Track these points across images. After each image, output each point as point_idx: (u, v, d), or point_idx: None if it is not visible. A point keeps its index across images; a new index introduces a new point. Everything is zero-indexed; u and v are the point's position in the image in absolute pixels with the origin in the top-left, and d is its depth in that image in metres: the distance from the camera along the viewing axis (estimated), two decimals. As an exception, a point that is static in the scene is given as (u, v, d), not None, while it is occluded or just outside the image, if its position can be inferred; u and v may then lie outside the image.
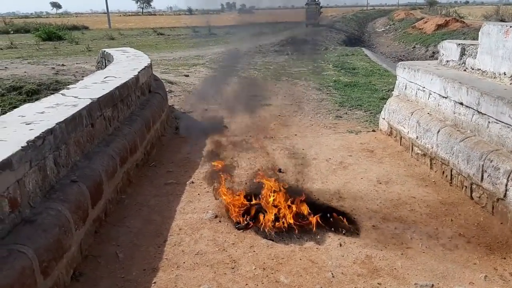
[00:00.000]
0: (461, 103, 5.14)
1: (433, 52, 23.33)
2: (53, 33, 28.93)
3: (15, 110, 4.20)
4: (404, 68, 6.83)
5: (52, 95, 4.91)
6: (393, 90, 8.41)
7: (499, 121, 4.42)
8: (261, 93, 10.88)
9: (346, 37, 33.21)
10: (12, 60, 15.20)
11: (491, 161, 4.34)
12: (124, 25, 48.44)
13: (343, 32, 35.30)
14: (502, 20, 26.72)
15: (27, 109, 4.16)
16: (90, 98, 4.62)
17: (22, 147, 3.04)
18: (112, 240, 3.98)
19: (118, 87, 5.44)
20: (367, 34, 42.42)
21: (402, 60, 17.17)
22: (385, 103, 7.90)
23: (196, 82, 12.21)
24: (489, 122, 4.62)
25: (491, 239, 3.98)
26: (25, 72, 11.39)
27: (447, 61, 6.39)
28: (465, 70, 5.92)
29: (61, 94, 4.90)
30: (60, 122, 3.71)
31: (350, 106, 9.52)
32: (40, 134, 3.35)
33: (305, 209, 4.37)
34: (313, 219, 4.23)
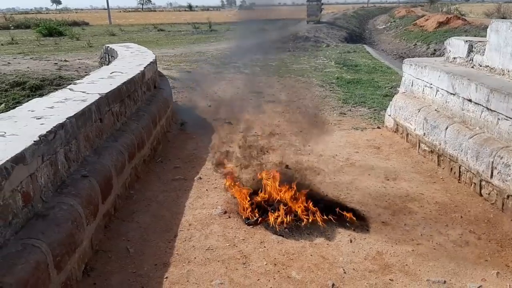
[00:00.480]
0: (470, 100, 5.13)
1: (435, 50, 23.31)
2: (53, 29, 28.87)
3: (24, 104, 4.19)
4: (411, 65, 6.82)
5: (60, 90, 4.90)
6: (396, 87, 8.40)
7: (509, 118, 4.41)
8: (264, 90, 10.88)
9: (347, 34, 33.18)
10: (14, 55, 15.18)
11: (501, 158, 4.33)
12: (124, 21, 48.39)
13: (344, 29, 35.25)
14: (504, 18, 26.69)
15: (36, 104, 4.14)
16: (99, 93, 4.60)
17: (34, 141, 3.03)
18: (122, 235, 3.97)
19: (125, 82, 5.42)
20: (368, 31, 42.40)
21: (404, 57, 17.15)
22: (388, 100, 7.90)
23: (198, 78, 12.19)
24: (498, 119, 4.61)
25: (502, 236, 3.97)
26: (28, 67, 11.36)
27: (454, 58, 6.38)
28: (472, 67, 5.90)
29: (69, 89, 4.89)
30: (70, 117, 3.70)
31: (353, 103, 9.51)
32: (52, 128, 3.34)
33: (314, 205, 4.36)
34: (322, 215, 4.22)
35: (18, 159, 2.76)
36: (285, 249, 3.77)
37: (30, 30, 33.09)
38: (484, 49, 5.66)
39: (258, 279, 3.37)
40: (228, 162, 5.63)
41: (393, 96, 7.72)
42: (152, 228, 4.13)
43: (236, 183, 4.81)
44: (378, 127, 7.59)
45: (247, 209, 4.32)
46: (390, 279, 3.37)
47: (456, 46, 6.33)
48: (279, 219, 4.15)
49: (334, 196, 4.81)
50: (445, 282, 3.33)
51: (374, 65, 15.29)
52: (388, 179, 5.28)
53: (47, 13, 78.17)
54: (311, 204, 4.36)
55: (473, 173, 4.84)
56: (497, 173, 4.39)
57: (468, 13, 37.70)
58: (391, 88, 10.85)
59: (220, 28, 34.67)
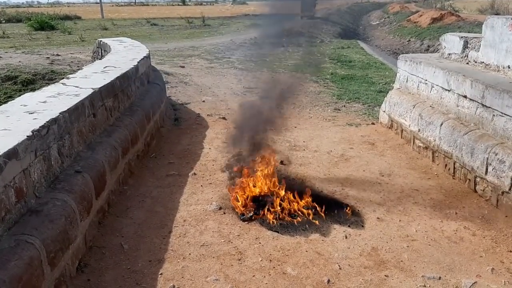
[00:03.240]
0: (465, 96, 5.13)
1: (428, 46, 23.32)
2: (45, 23, 28.51)
3: (17, 99, 4.13)
4: (406, 61, 6.81)
5: (53, 85, 4.84)
6: (390, 83, 8.38)
7: (504, 114, 4.41)
8: (258, 85, 10.83)
9: (342, 29, 33.12)
10: (6, 49, 15.00)
11: (496, 154, 4.34)
12: (117, 15, 47.91)
13: (338, 25, 35.18)
14: (497, 14, 26.73)
15: (29, 99, 4.09)
16: (92, 88, 4.56)
17: (27, 136, 3.00)
18: (116, 231, 3.94)
19: (118, 77, 5.37)
20: (362, 27, 42.34)
21: (397, 53, 17.15)
22: (382, 96, 7.89)
23: (192, 73, 12.11)
24: (493, 115, 4.61)
25: (496, 232, 3.98)
26: (19, 61, 11.23)
27: (449, 54, 6.38)
28: (467, 63, 5.91)
29: (62, 83, 4.83)
30: (63, 112, 3.65)
31: (348, 99, 9.49)
32: (45, 123, 3.31)
33: (309, 201, 4.36)
34: (318, 211, 4.21)
35: (11, 155, 2.72)
36: (281, 245, 3.76)
37: (22, 24, 32.67)
38: (479, 45, 5.66)
39: (254, 275, 3.35)
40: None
41: (387, 92, 7.72)
42: (147, 224, 4.10)
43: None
44: (373, 123, 7.59)
45: (242, 204, 4.31)
46: (385, 275, 3.37)
47: (451, 42, 6.33)
48: (274, 216, 4.14)
49: (329, 192, 4.80)
50: (440, 278, 3.33)
51: (368, 61, 15.28)
52: (382, 175, 5.28)
53: (38, 7, 77.33)
54: (306, 200, 4.36)
55: (467, 170, 4.85)
56: (492, 170, 4.40)
57: (461, 9, 37.76)
58: (385, 84, 10.85)
59: (213, 23, 34.49)
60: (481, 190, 4.62)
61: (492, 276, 3.36)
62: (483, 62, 5.56)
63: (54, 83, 5.09)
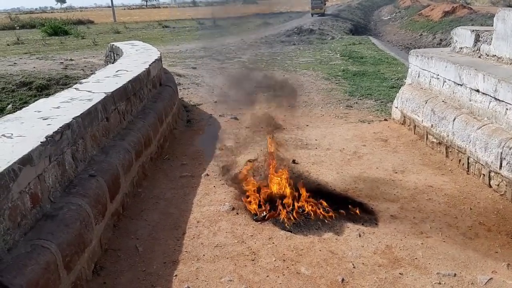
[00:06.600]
0: (477, 90, 5.08)
1: (441, 40, 23.12)
2: (59, 28, 28.87)
3: (31, 105, 4.20)
4: (417, 56, 6.76)
5: (66, 90, 4.90)
6: (402, 79, 8.30)
7: (518, 107, 4.36)
8: (270, 84, 10.82)
9: (352, 26, 32.95)
10: (20, 55, 15.22)
11: (510, 149, 4.29)
12: (129, 18, 48.29)
13: (349, 21, 35.01)
14: (510, 6, 26.36)
15: (43, 105, 4.16)
16: (104, 92, 4.61)
17: (41, 142, 3.05)
18: (131, 233, 3.98)
19: (130, 80, 5.43)
20: (373, 22, 42.06)
21: (409, 48, 17.02)
22: (395, 92, 7.84)
23: (204, 74, 12.16)
24: (507, 109, 4.56)
25: (512, 227, 3.95)
26: (34, 67, 11.41)
27: (461, 48, 6.32)
28: (479, 56, 5.84)
29: (75, 88, 4.90)
30: (76, 117, 3.71)
31: (360, 96, 9.45)
32: (58, 129, 3.35)
33: (322, 200, 4.35)
34: (331, 210, 4.21)
35: (26, 161, 2.77)
36: (294, 245, 3.76)
37: (36, 29, 33.11)
38: (491, 38, 5.59)
39: (267, 276, 3.37)
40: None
41: (400, 87, 7.67)
42: (161, 226, 4.14)
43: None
44: (385, 120, 7.54)
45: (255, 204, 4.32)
46: (400, 273, 3.35)
47: (463, 36, 6.27)
48: (288, 215, 4.14)
49: (342, 190, 4.79)
50: (455, 275, 3.31)
51: (380, 57, 15.19)
52: (396, 172, 5.25)
53: (52, 12, 78.34)
54: (319, 199, 4.36)
55: (481, 164, 4.80)
56: (506, 164, 4.35)
57: (473, 1, 37.33)
58: (397, 79, 10.78)
59: (224, 23, 34.56)
60: (495, 185, 4.58)
61: (508, 272, 3.33)
62: (495, 55, 5.50)
63: (68, 87, 5.16)
